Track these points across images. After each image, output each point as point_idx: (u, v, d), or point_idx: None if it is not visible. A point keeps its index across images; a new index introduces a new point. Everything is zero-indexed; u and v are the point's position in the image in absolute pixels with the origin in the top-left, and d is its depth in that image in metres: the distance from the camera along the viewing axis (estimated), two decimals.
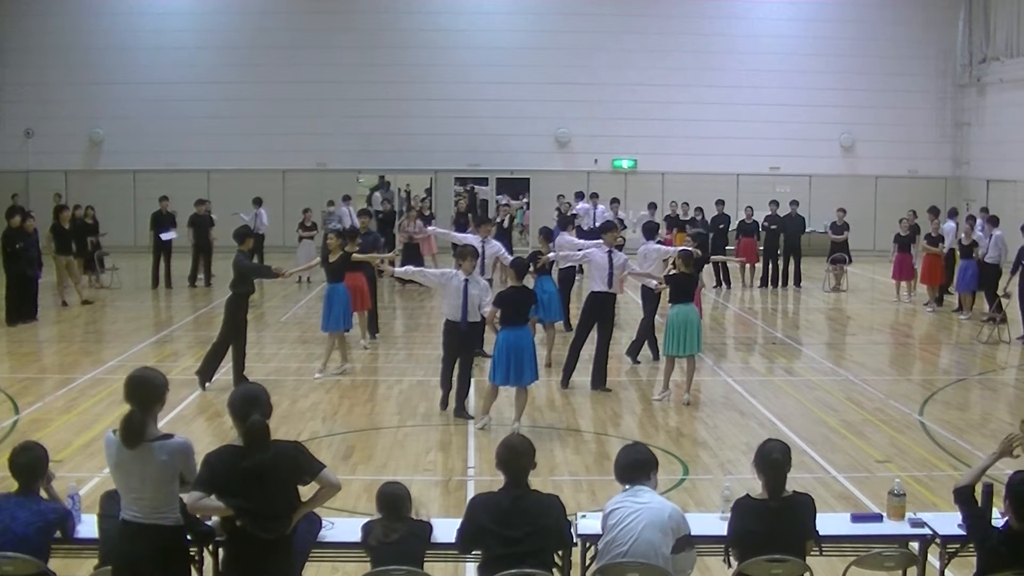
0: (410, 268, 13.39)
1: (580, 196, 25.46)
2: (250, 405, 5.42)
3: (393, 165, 30.65)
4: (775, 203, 24.05)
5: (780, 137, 29.60)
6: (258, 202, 24.48)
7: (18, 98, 29.43)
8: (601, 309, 13.01)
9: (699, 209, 23.84)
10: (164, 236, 20.00)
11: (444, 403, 12.01)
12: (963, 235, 19.22)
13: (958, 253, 19.41)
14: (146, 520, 5.40)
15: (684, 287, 12.49)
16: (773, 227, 23.51)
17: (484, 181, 31.14)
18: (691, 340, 12.29)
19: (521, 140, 29.74)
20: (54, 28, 29.28)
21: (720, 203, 24.46)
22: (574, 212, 24.05)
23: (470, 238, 14.99)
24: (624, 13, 29.65)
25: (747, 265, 23.49)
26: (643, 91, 29.44)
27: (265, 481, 5.30)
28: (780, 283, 23.38)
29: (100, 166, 29.89)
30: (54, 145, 29.38)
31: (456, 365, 11.84)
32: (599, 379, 13.10)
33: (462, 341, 11.80)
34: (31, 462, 5.84)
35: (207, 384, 13.00)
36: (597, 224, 23.61)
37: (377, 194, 30.05)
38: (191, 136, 29.22)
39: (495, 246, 14.81)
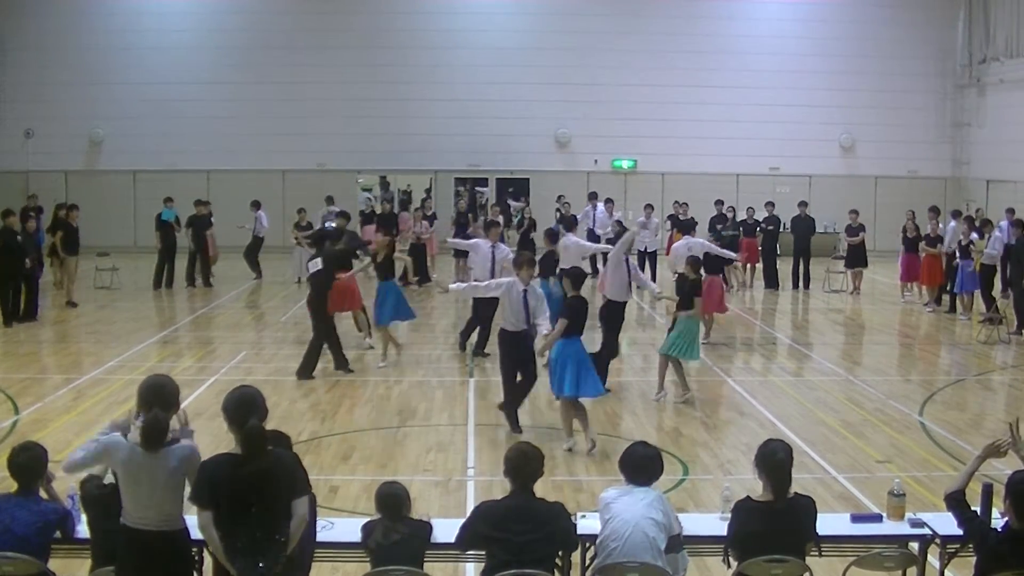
0: (464, 286, 13.05)
1: (593, 196, 25.27)
2: (246, 409, 5.41)
3: (393, 165, 30.66)
4: (771, 204, 24.00)
5: (780, 137, 29.59)
6: (256, 204, 24.46)
7: (18, 98, 29.42)
8: (620, 316, 12.94)
9: (731, 208, 23.75)
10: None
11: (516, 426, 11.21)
12: (961, 236, 19.20)
13: (957, 253, 19.37)
14: (153, 528, 5.40)
15: (690, 293, 12.50)
16: (771, 227, 23.47)
17: (484, 181, 31.17)
18: (692, 347, 12.33)
19: (521, 140, 29.73)
20: (54, 28, 29.28)
21: (719, 203, 24.45)
22: (572, 214, 24.01)
23: (480, 244, 14.91)
24: (624, 13, 29.64)
25: (747, 265, 23.46)
26: (643, 91, 29.43)
27: (264, 489, 5.27)
28: (792, 284, 23.16)
29: (100, 166, 29.88)
30: (54, 145, 29.36)
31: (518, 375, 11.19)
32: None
33: (525, 351, 11.17)
34: (30, 462, 5.84)
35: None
36: (596, 225, 23.64)
37: (368, 195, 29.94)
38: (191, 136, 29.21)
39: (504, 251, 14.71)
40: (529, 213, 24.54)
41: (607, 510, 5.82)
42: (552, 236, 15.30)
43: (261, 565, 5.24)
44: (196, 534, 5.56)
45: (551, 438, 10.88)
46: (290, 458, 5.48)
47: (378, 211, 25.47)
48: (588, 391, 10.49)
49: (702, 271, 14.87)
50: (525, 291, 10.94)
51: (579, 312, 10.52)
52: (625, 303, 13.08)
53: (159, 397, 5.53)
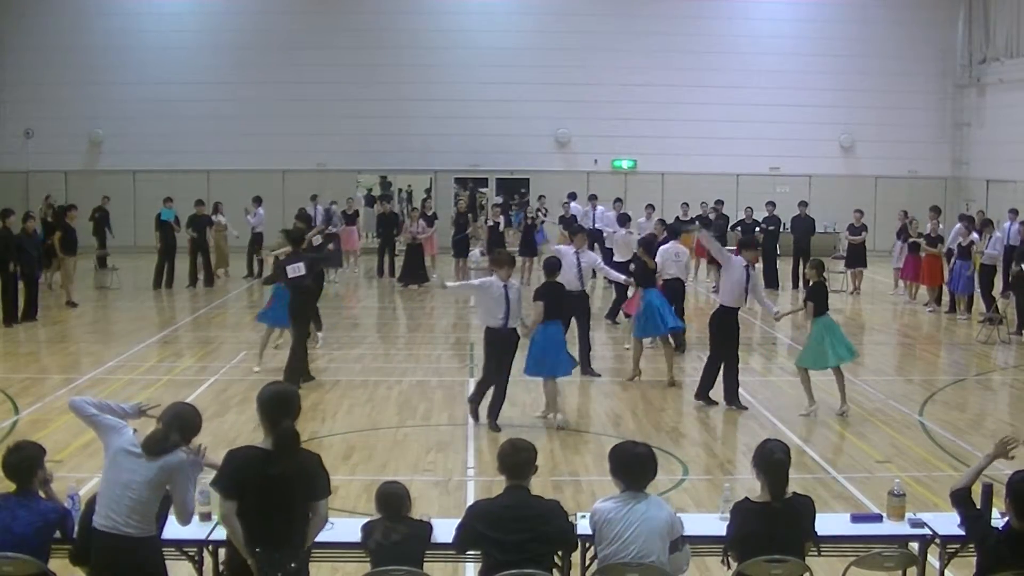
0: (457, 284, 12.99)
1: (573, 196, 25.18)
2: (282, 408, 5.44)
3: (393, 165, 30.68)
4: (772, 204, 23.99)
5: (780, 137, 29.59)
6: (258, 200, 24.53)
7: (18, 98, 29.41)
8: (732, 325, 12.50)
9: (748, 208, 23.62)
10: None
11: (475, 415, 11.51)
12: (961, 237, 19.20)
13: (955, 254, 19.36)
14: (121, 531, 5.44)
15: (825, 297, 12.18)
16: (771, 228, 23.44)
17: (484, 181, 31.18)
18: (837, 349, 11.93)
19: (521, 140, 29.74)
20: (54, 28, 29.27)
21: (720, 203, 24.44)
22: (572, 214, 23.97)
23: (566, 250, 14.11)
24: (624, 13, 29.64)
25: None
26: (643, 91, 29.43)
27: (286, 490, 5.34)
28: (792, 284, 23.05)
29: (100, 166, 29.87)
30: (54, 145, 29.36)
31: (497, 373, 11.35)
32: (732, 396, 12.54)
33: (505, 348, 11.29)
34: (21, 462, 5.83)
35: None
36: (598, 224, 23.61)
37: (358, 194, 29.90)
38: (191, 136, 29.21)
39: (591, 257, 14.19)
40: (533, 213, 24.54)
41: (608, 525, 5.57)
42: (648, 247, 14.50)
43: (279, 555, 5.31)
44: (182, 534, 5.61)
45: (551, 438, 10.90)
46: (315, 460, 5.54)
47: (378, 211, 25.49)
48: (549, 372, 11.24)
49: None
50: (506, 287, 11.04)
51: (552, 296, 11.27)
52: (736, 309, 12.54)
53: (181, 424, 5.64)
